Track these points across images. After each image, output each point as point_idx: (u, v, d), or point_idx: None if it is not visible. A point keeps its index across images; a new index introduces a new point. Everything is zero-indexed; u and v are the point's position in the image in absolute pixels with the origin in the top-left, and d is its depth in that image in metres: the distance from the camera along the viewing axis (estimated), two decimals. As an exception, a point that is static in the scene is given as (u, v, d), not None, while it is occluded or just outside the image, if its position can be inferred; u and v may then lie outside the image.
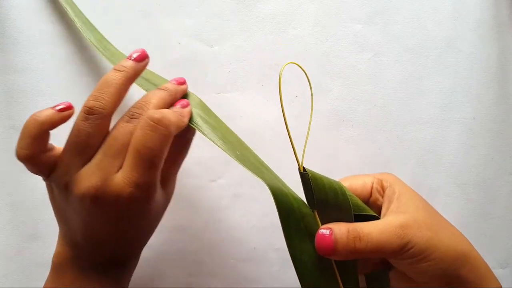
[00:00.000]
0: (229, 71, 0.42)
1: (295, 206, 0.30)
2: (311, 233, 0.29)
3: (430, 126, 0.43)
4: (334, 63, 0.43)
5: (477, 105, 0.43)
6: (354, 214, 0.30)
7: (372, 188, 0.32)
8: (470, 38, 0.43)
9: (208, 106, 0.41)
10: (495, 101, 0.43)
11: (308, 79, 0.31)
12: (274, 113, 0.42)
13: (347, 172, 0.42)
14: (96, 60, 0.41)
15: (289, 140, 0.29)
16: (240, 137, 0.35)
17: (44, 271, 0.34)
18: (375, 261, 0.33)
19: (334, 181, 0.31)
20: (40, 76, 0.41)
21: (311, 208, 0.30)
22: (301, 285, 0.30)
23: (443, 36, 0.43)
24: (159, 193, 0.30)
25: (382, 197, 0.32)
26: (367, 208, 0.32)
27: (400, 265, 0.29)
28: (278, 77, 0.28)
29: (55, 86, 0.41)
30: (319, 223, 0.30)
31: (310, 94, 0.31)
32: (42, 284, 0.31)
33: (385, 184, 0.32)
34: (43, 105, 0.40)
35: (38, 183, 0.40)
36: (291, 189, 0.31)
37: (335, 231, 0.28)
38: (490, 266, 0.30)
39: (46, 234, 0.40)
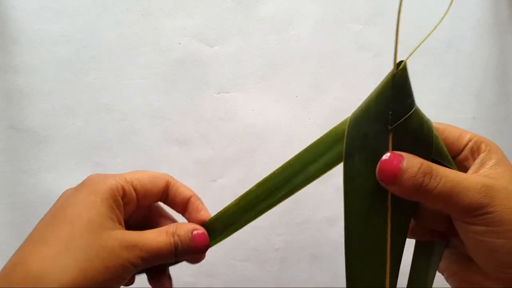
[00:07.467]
0: (229, 71, 0.42)
1: (371, 117, 0.26)
2: (377, 155, 0.24)
3: (430, 126, 0.43)
4: (334, 63, 0.43)
5: (477, 105, 0.43)
6: (432, 159, 0.25)
7: (466, 144, 0.27)
8: (470, 38, 0.43)
9: (208, 106, 0.41)
10: (495, 101, 0.43)
11: None
12: (274, 113, 0.42)
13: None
14: (96, 61, 0.41)
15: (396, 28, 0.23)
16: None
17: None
18: (435, 227, 0.27)
19: (425, 115, 0.26)
20: (40, 76, 0.40)
21: (390, 126, 0.25)
22: (344, 212, 0.26)
23: (443, 36, 0.43)
24: None
25: (474, 159, 0.27)
26: (451, 160, 0.27)
27: (466, 234, 0.24)
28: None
29: (55, 86, 0.41)
30: (390, 147, 0.25)
31: None
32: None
33: (483, 147, 0.27)
34: (43, 105, 0.40)
35: (38, 183, 0.40)
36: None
37: (406, 159, 0.24)
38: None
39: (46, 234, 0.40)
